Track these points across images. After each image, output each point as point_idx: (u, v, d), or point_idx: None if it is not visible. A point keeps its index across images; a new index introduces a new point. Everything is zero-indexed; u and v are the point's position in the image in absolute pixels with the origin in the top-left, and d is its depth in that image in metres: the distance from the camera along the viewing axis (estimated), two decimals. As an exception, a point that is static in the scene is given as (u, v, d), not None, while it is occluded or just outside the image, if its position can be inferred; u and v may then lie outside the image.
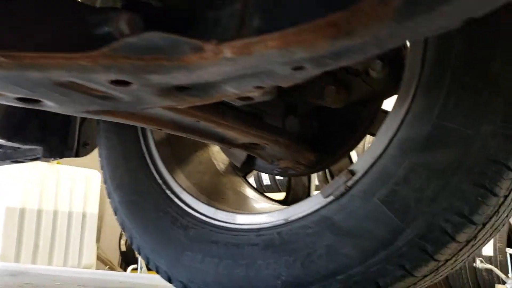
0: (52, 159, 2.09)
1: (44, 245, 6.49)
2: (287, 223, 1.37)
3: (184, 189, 1.63)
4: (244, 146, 1.45)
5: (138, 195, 1.67)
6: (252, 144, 1.44)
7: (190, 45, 0.74)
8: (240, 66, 0.76)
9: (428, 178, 1.14)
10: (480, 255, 4.87)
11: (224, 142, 1.41)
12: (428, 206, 1.14)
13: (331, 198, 1.30)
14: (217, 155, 1.91)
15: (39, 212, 6.50)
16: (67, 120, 2.07)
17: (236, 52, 0.72)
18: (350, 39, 0.68)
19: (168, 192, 1.64)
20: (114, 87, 0.86)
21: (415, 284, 1.25)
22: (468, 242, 1.20)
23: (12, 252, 6.25)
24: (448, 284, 5.03)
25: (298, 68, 0.78)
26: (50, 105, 1.01)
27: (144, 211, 1.64)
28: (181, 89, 0.91)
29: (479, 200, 1.11)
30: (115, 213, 1.77)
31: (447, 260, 1.22)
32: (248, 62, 0.75)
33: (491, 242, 4.71)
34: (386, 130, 1.25)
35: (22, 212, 6.37)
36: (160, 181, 1.67)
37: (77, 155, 2.10)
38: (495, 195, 1.12)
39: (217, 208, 1.54)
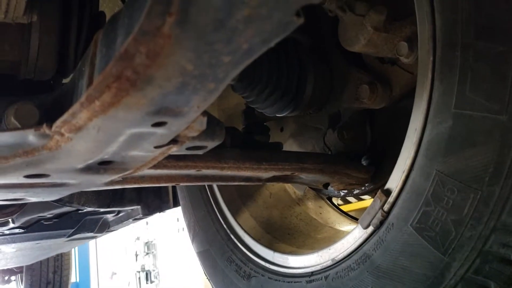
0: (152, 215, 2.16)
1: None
2: (334, 264, 1.14)
3: (246, 232, 1.50)
4: (276, 179, 1.27)
5: (209, 245, 1.61)
6: (284, 175, 1.25)
7: (35, 135, 0.65)
8: (93, 138, 0.64)
9: (462, 191, 0.83)
10: None
11: (251, 181, 1.26)
12: (473, 229, 0.82)
13: (371, 229, 1.05)
14: (292, 182, 1.73)
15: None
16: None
17: (69, 130, 0.61)
18: (157, 83, 0.51)
19: (232, 237, 1.53)
20: (31, 181, 0.82)
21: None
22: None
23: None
24: None
25: (158, 124, 0.62)
26: (32, 199, 1.04)
27: (214, 262, 1.56)
28: (104, 164, 0.82)
29: (544, 210, 0.76)
30: (201, 264, 1.72)
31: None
32: (92, 135, 0.62)
33: None
34: (413, 131, 0.96)
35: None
36: (225, 226, 1.57)
37: (175, 205, 2.14)
38: None
39: (275, 251, 1.38)
